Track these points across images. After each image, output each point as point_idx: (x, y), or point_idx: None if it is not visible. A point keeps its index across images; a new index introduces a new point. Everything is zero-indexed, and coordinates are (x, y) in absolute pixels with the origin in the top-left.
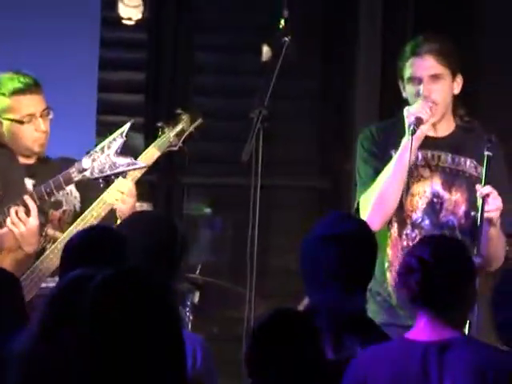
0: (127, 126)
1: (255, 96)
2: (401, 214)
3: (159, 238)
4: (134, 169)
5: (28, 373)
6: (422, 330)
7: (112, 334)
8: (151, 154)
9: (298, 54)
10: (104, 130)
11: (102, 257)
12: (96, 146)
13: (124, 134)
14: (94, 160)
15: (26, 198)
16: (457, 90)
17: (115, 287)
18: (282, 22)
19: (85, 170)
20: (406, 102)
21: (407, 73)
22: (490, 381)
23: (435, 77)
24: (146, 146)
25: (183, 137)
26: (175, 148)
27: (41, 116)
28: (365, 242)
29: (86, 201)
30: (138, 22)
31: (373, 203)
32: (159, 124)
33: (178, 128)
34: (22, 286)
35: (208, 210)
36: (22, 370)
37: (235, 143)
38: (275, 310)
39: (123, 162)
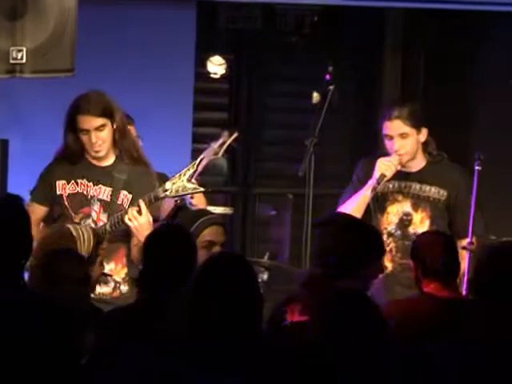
0: (198, 160)
1: (308, 128)
2: (380, 226)
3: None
4: (197, 192)
5: None
6: None
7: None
8: (202, 162)
9: (339, 98)
10: (196, 156)
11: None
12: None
13: (196, 166)
14: (173, 183)
15: (140, 201)
16: (423, 138)
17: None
18: (328, 75)
19: (166, 190)
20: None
21: (384, 130)
22: None
23: (402, 135)
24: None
25: (224, 147)
26: (218, 156)
27: None
28: None
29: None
30: (221, 75)
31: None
32: (208, 141)
33: (220, 141)
34: None
35: (273, 213)
36: None
37: (294, 163)
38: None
39: (191, 186)
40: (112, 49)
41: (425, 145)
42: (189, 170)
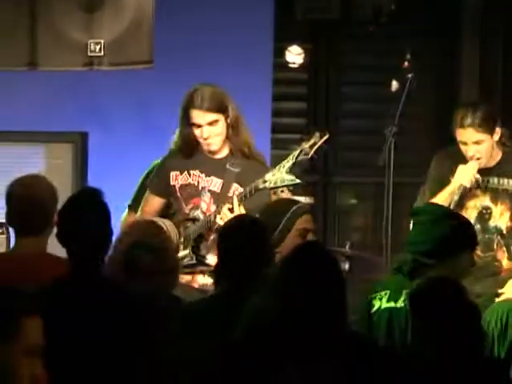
0: (297, 152)
1: (387, 117)
2: None
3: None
4: (295, 184)
5: None
6: None
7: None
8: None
9: (418, 87)
10: (276, 146)
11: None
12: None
13: (294, 157)
14: (273, 175)
15: (234, 196)
16: (496, 137)
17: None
18: (406, 63)
19: (266, 181)
20: None
21: (457, 137)
22: None
23: (476, 142)
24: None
25: (314, 148)
26: (308, 156)
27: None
28: None
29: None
30: (300, 65)
31: None
32: (300, 137)
33: (311, 142)
34: None
35: (354, 201)
36: None
37: (374, 152)
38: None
39: (289, 178)
40: (190, 42)
41: (499, 138)
42: (288, 161)
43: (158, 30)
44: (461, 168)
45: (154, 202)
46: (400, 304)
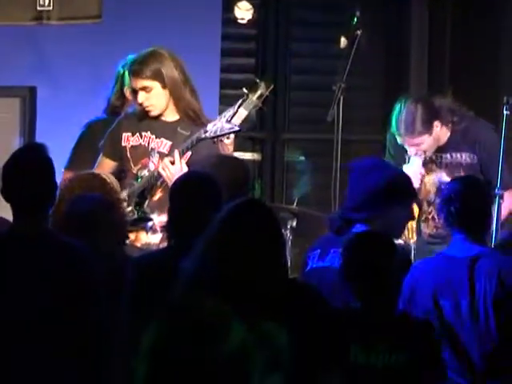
0: (239, 102)
1: (336, 74)
2: (419, 196)
3: (237, 176)
4: (233, 132)
5: None
6: (458, 247)
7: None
8: (241, 114)
9: (366, 43)
10: (224, 102)
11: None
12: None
13: (236, 107)
14: (214, 125)
15: (176, 151)
16: (438, 129)
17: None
18: (355, 19)
19: (206, 131)
20: None
21: (404, 143)
22: (506, 282)
23: (416, 144)
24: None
25: (262, 98)
26: (257, 108)
27: None
28: None
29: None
30: (249, 21)
31: None
32: (245, 90)
33: (258, 93)
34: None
35: (302, 158)
36: None
37: (322, 108)
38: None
39: (228, 126)
40: None
41: (446, 118)
42: (229, 111)
43: None
44: (406, 170)
45: (105, 165)
46: (327, 263)
